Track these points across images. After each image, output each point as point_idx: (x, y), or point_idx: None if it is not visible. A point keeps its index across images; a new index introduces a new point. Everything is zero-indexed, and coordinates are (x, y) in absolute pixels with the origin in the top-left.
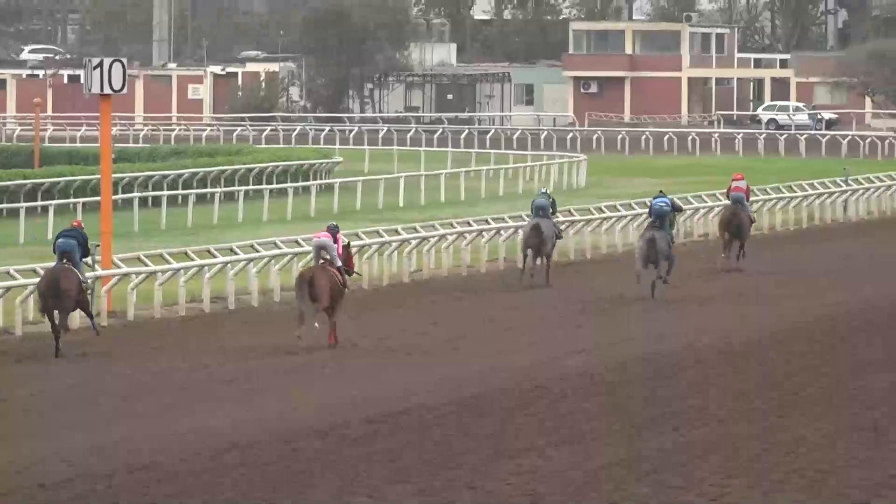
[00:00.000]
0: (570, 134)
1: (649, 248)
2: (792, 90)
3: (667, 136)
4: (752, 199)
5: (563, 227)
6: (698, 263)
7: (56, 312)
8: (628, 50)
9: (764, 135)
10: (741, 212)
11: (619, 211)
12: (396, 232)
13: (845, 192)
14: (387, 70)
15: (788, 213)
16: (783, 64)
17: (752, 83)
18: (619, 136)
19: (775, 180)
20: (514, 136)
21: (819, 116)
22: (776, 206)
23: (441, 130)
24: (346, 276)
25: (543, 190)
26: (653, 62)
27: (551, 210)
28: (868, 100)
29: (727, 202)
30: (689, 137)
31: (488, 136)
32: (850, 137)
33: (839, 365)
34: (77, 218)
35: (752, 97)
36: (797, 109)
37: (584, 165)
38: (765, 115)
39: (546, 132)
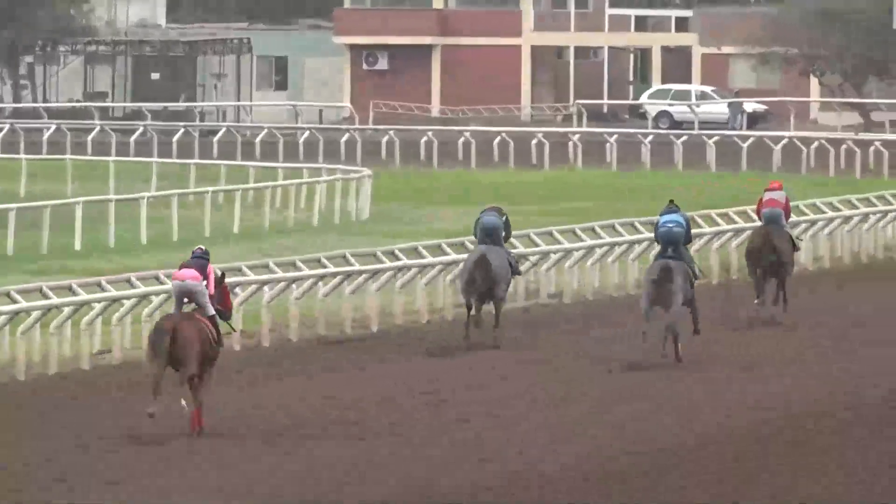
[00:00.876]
0: (346, 135)
1: (660, 283)
2: (695, 66)
3: (498, 140)
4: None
5: (519, 260)
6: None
7: None
8: (438, 3)
9: (651, 136)
10: (777, 236)
11: (601, 237)
12: (70, 291)
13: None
14: (55, 35)
15: None
16: (682, 26)
17: (632, 55)
18: (424, 140)
19: (655, 210)
20: (258, 139)
21: (741, 108)
22: None
23: (142, 129)
24: (219, 330)
25: (490, 208)
26: (477, 22)
27: (504, 233)
28: (814, 82)
29: (758, 224)
30: (534, 141)
31: (216, 139)
32: (785, 140)
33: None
34: None
35: (632, 77)
36: (704, 96)
37: (368, 185)
38: (652, 107)
39: (308, 132)
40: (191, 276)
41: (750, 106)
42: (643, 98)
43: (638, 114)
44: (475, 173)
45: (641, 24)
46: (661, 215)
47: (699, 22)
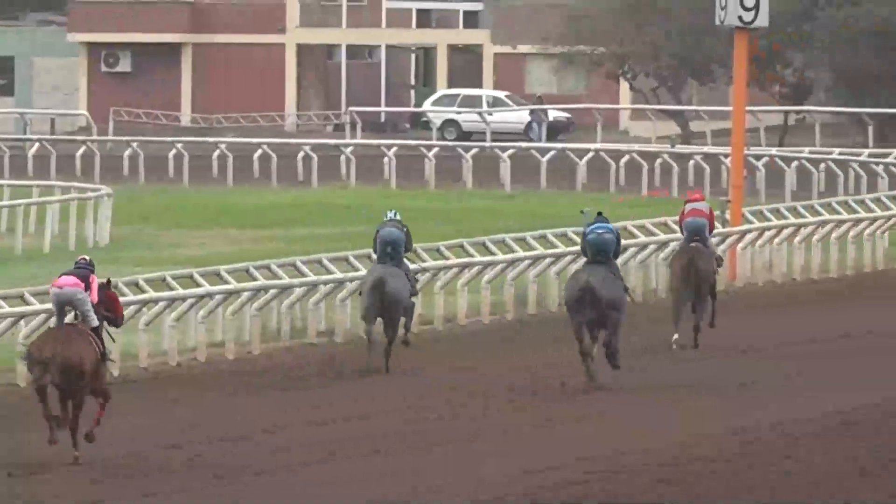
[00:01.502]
0: (82, 148)
1: (586, 296)
2: (487, 68)
3: (259, 153)
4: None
5: (419, 277)
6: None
7: None
8: None
9: (435, 149)
10: (701, 257)
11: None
12: None
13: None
14: None
15: (460, 299)
16: (471, 21)
17: (413, 56)
18: (172, 153)
19: (440, 235)
20: None
21: (545, 116)
22: (444, 283)
23: None
24: (104, 342)
25: (392, 212)
26: (234, 17)
27: (404, 247)
28: (624, 86)
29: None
30: (300, 154)
31: None
32: (591, 154)
33: None
34: None
35: (414, 81)
36: (497, 103)
37: (108, 206)
38: (437, 115)
39: (37, 144)
40: (70, 283)
41: (551, 114)
42: (426, 105)
43: (420, 123)
44: (232, 191)
45: (424, 20)
46: (588, 225)
47: (491, 17)
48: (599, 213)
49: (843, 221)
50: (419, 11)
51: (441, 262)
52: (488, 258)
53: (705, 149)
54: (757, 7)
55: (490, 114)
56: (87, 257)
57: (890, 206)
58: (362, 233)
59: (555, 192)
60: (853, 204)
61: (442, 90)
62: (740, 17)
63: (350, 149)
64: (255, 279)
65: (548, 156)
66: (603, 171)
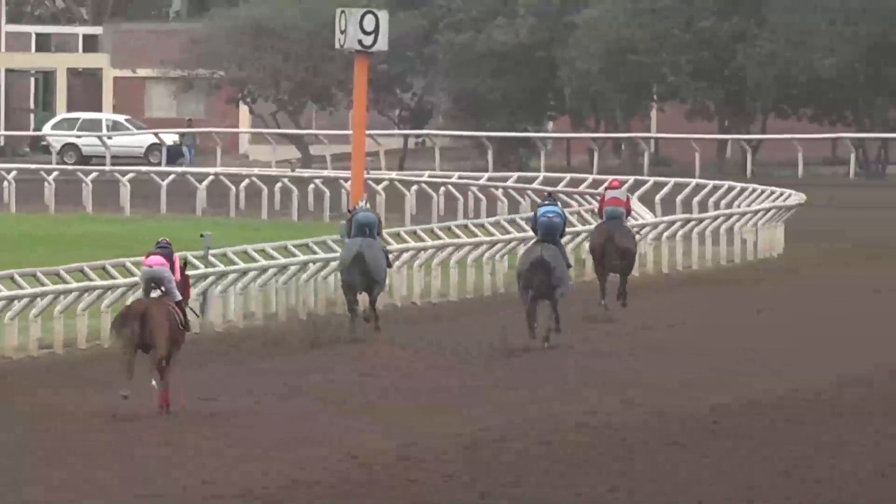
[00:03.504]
0: None
1: (537, 273)
2: (107, 92)
3: None
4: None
5: (392, 255)
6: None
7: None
8: None
9: (55, 173)
10: (619, 233)
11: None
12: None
13: (203, 278)
14: None
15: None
16: (91, 45)
17: (33, 79)
18: None
19: (544, 203)
20: None
21: (194, 140)
22: (64, 308)
23: None
24: (186, 315)
25: (364, 203)
26: None
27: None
28: (244, 110)
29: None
30: None
31: None
32: (211, 177)
33: None
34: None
35: (33, 104)
36: (116, 126)
37: None
38: (57, 139)
39: None
40: (159, 262)
41: (169, 138)
42: (46, 129)
43: (40, 147)
44: None
45: (44, 44)
46: (539, 207)
47: (111, 41)
48: (549, 195)
49: (462, 245)
50: (38, 35)
51: (62, 287)
52: (109, 282)
53: (325, 173)
54: (376, 31)
55: (110, 138)
56: (167, 238)
57: (510, 230)
58: None
59: (175, 215)
60: (473, 227)
61: (62, 114)
62: (360, 42)
63: None
64: None
65: (167, 180)
66: (223, 195)
